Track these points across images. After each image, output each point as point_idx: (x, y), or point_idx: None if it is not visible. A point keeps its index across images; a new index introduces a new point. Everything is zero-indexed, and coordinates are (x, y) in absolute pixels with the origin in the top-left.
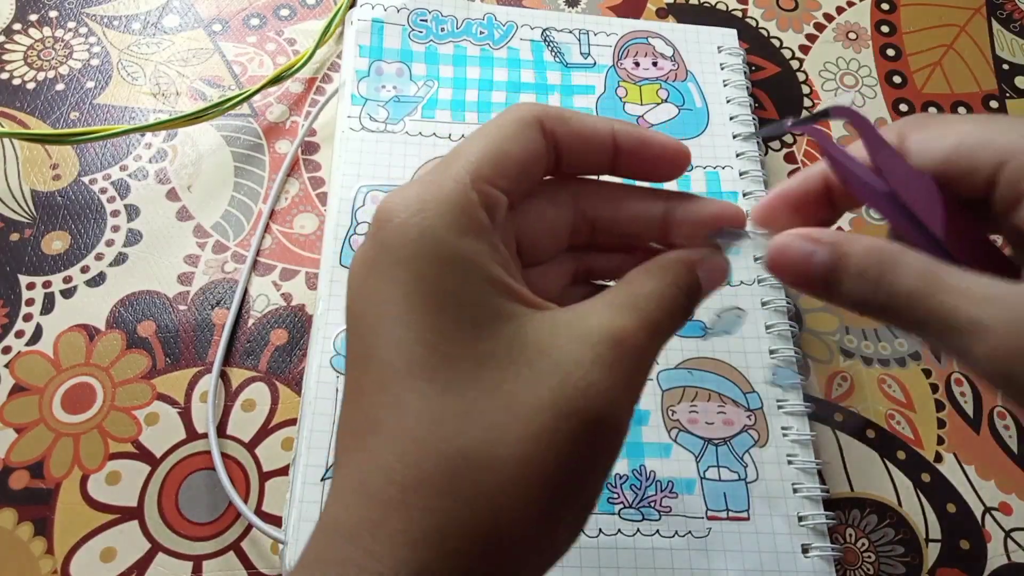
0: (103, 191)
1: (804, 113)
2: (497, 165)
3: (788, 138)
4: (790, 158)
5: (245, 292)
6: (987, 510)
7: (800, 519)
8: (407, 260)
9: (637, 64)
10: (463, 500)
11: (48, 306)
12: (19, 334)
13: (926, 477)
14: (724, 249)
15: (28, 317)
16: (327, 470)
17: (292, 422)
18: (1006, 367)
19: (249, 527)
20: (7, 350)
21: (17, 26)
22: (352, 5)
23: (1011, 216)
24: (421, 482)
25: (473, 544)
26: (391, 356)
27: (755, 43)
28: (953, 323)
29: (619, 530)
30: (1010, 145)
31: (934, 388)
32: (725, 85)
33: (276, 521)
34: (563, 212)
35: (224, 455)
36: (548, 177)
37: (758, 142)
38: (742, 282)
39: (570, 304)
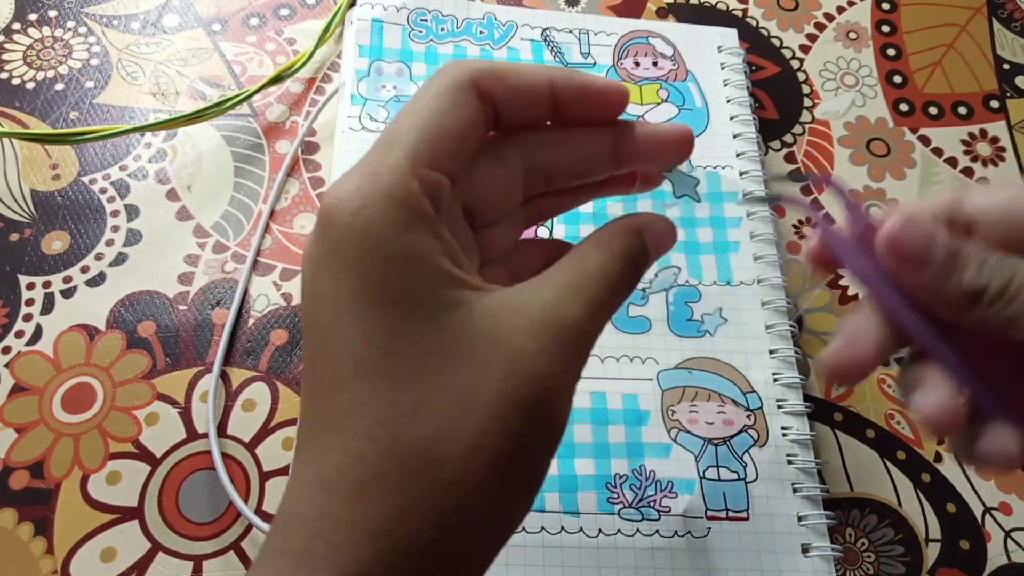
0: (103, 191)
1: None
2: (435, 145)
3: (788, 138)
4: (790, 158)
5: (245, 292)
6: (987, 510)
7: (800, 519)
8: (352, 261)
9: (637, 64)
10: (418, 494)
11: (48, 306)
12: (19, 334)
13: (926, 477)
14: (674, 180)
15: (28, 317)
16: None
17: (292, 422)
18: None
19: (249, 527)
20: (7, 350)
21: (16, 26)
22: (352, 5)
23: None
24: (378, 478)
25: (430, 534)
26: (342, 356)
27: (755, 43)
28: None
29: (619, 530)
30: None
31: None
32: (725, 85)
33: None
34: (513, 169)
35: (224, 455)
36: (491, 133)
37: (758, 142)
38: (742, 282)
39: (522, 263)
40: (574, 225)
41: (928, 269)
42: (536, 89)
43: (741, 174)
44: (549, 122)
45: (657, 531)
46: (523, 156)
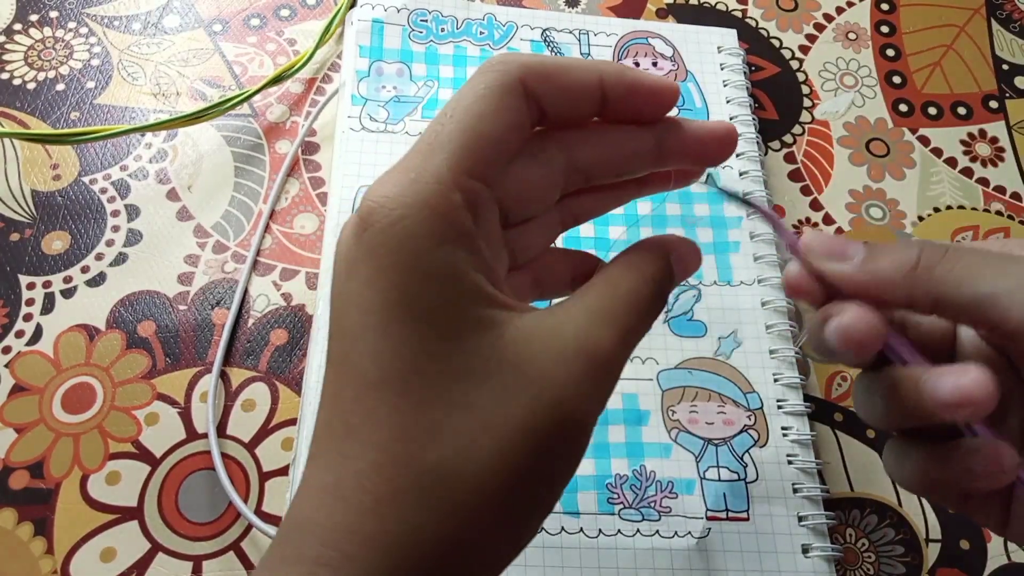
0: (103, 191)
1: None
2: (478, 152)
3: (788, 138)
4: (790, 158)
5: (245, 292)
6: None
7: (800, 519)
8: (388, 269)
9: (637, 64)
10: (434, 512)
11: (48, 306)
12: (19, 334)
13: None
14: (714, 180)
15: (28, 317)
16: None
17: (292, 422)
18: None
19: (249, 527)
20: (7, 350)
21: (17, 26)
22: (352, 5)
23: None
24: (394, 494)
25: (442, 552)
26: (367, 366)
27: (755, 43)
28: (1005, 263)
29: (619, 530)
30: None
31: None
32: (725, 85)
33: (276, 521)
34: (554, 167)
35: (224, 455)
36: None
37: (757, 142)
38: (742, 282)
39: (545, 272)
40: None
41: (850, 260)
42: (587, 88)
43: (740, 174)
44: (594, 118)
45: (657, 531)
46: (564, 154)
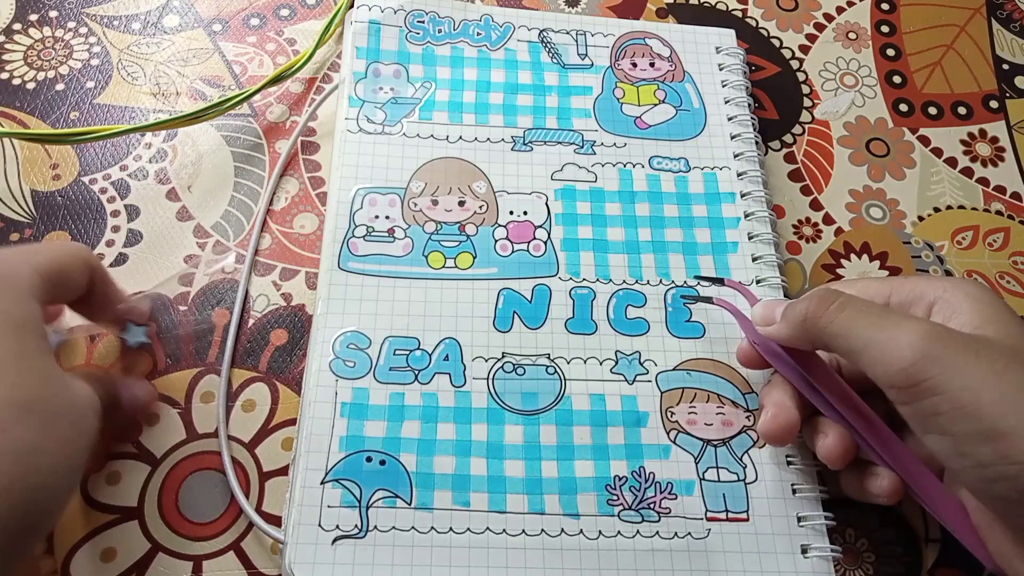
0: (103, 191)
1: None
2: (57, 278)
3: (788, 138)
4: (790, 158)
5: (246, 292)
6: None
7: (800, 520)
8: None
9: (635, 65)
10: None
11: None
12: None
13: None
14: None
15: None
16: (326, 473)
17: (292, 422)
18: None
19: (249, 527)
20: None
21: (17, 26)
22: (351, 6)
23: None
24: None
25: None
26: None
27: (755, 43)
28: (884, 319)
29: (619, 532)
30: (897, 283)
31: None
32: (724, 85)
33: (276, 521)
34: (83, 278)
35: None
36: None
37: (756, 142)
38: (741, 282)
39: None
40: (572, 227)
41: (777, 322)
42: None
43: (739, 175)
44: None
45: (657, 533)
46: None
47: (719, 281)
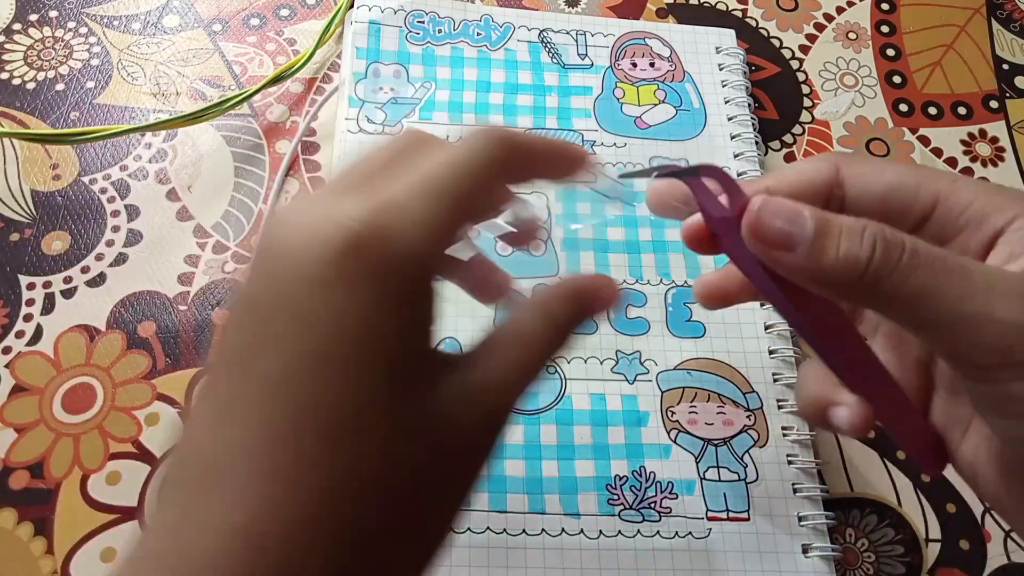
0: (103, 191)
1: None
2: (466, 211)
3: (788, 138)
4: (790, 158)
5: None
6: (987, 510)
7: (800, 519)
8: (363, 304)
9: (635, 65)
10: (364, 570)
11: (48, 306)
12: (19, 334)
13: (926, 477)
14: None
15: (28, 317)
16: None
17: None
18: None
19: None
20: (7, 350)
21: (17, 26)
22: (352, 6)
23: None
24: (323, 551)
25: None
26: (318, 401)
27: (755, 43)
28: (970, 283)
29: (619, 532)
30: (944, 190)
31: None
32: (724, 85)
33: None
34: (501, 187)
35: None
36: None
37: (756, 142)
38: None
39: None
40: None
41: (796, 250)
42: (548, 162)
43: (739, 175)
44: None
45: (658, 532)
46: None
47: (692, 171)
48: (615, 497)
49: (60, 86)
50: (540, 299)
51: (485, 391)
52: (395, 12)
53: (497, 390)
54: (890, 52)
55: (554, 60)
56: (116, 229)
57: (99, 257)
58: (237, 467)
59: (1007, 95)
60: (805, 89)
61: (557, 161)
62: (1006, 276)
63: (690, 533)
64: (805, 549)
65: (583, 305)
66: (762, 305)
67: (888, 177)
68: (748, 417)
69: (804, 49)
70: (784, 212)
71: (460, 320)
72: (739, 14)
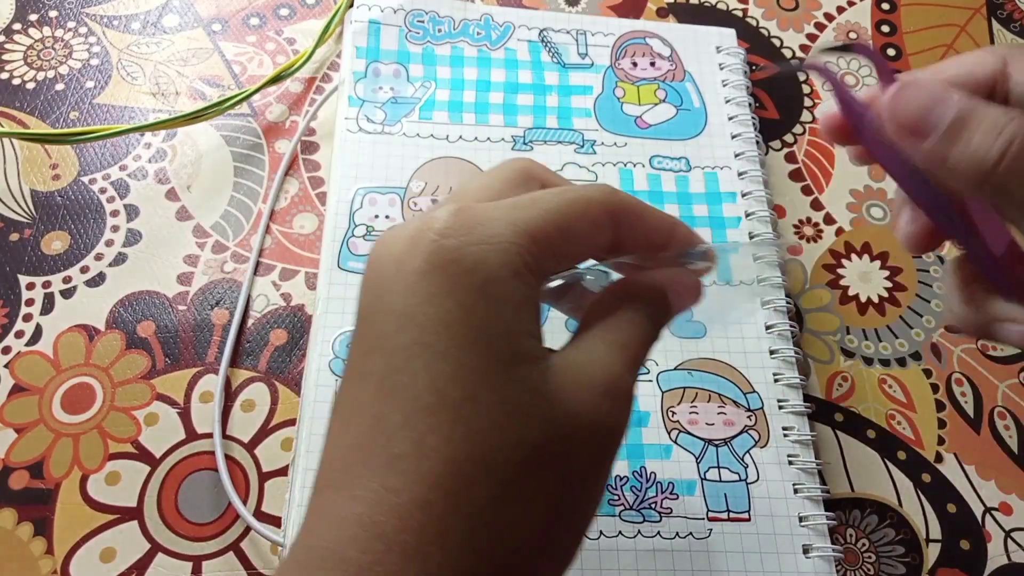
0: (103, 191)
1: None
2: (563, 237)
3: (788, 138)
4: (791, 157)
5: (248, 293)
6: (987, 510)
7: (801, 519)
8: (458, 288)
9: (635, 64)
10: (483, 557)
11: (48, 306)
12: (19, 334)
13: (926, 477)
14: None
15: (28, 317)
16: None
17: (292, 422)
18: None
19: (249, 528)
20: (7, 350)
21: (17, 26)
22: (351, 5)
23: None
24: (441, 535)
25: None
26: (421, 389)
27: (755, 43)
28: None
29: (620, 532)
30: None
31: (934, 388)
32: (724, 85)
33: (276, 521)
34: (605, 233)
35: (224, 455)
36: None
37: (757, 142)
38: (742, 282)
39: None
40: None
41: (930, 135)
42: (660, 236)
43: (739, 174)
44: None
45: (658, 533)
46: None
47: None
48: (615, 497)
49: (60, 86)
50: (633, 291)
51: (591, 364)
52: (395, 11)
53: (602, 363)
54: (891, 52)
55: (554, 59)
56: (115, 229)
57: (98, 257)
58: (358, 464)
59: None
60: (806, 89)
61: (663, 236)
62: None
63: (691, 533)
64: (806, 549)
65: (669, 301)
66: (763, 305)
67: None
68: (749, 417)
69: (805, 49)
70: (925, 95)
71: None
72: (739, 13)
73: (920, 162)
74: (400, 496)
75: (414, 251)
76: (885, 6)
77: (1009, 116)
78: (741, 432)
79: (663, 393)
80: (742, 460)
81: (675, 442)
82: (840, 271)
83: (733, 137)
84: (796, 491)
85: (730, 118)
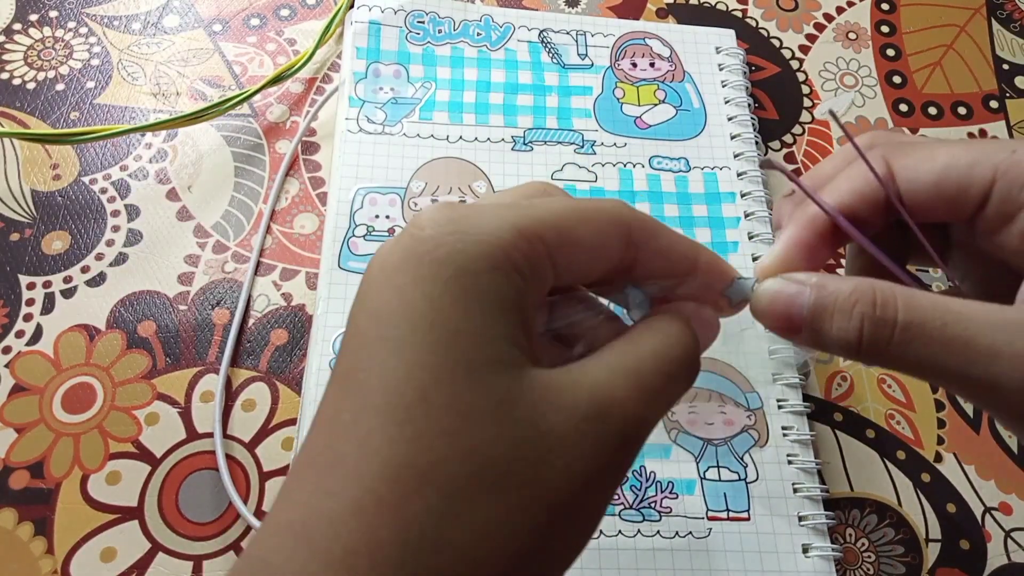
0: (103, 191)
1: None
2: (566, 240)
3: (788, 138)
4: (790, 158)
5: (249, 293)
6: (987, 510)
7: (800, 519)
8: (426, 279)
9: (635, 65)
10: (414, 574)
11: (48, 306)
12: (19, 334)
13: (926, 477)
14: (732, 301)
15: (28, 317)
16: None
17: (292, 422)
18: None
19: (249, 527)
20: (7, 350)
21: (17, 26)
22: (352, 6)
23: (1001, 233)
24: (371, 548)
25: None
26: (373, 386)
27: (755, 43)
28: (973, 351)
29: (619, 531)
30: (1002, 163)
31: (934, 388)
32: (724, 85)
33: None
34: (614, 246)
35: (225, 455)
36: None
37: (756, 142)
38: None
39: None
40: None
41: (801, 330)
42: (682, 263)
43: (739, 175)
44: None
45: (658, 532)
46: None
47: (763, 165)
48: (615, 497)
49: (60, 86)
50: (653, 322)
51: (579, 385)
52: (395, 12)
53: (595, 385)
54: (890, 52)
55: (554, 60)
56: (116, 229)
57: (99, 257)
58: (305, 466)
59: (1007, 95)
60: (805, 89)
61: (686, 261)
62: (1012, 330)
63: (690, 533)
64: (805, 549)
65: (695, 333)
66: None
67: (939, 161)
68: (748, 417)
69: (804, 49)
70: (782, 301)
71: None
72: (739, 14)
73: (794, 342)
74: (336, 500)
75: (395, 247)
76: (885, 6)
77: (853, 297)
78: (741, 432)
79: None
80: (741, 460)
81: (674, 442)
82: (840, 271)
83: (732, 137)
84: (795, 491)
85: (729, 118)
